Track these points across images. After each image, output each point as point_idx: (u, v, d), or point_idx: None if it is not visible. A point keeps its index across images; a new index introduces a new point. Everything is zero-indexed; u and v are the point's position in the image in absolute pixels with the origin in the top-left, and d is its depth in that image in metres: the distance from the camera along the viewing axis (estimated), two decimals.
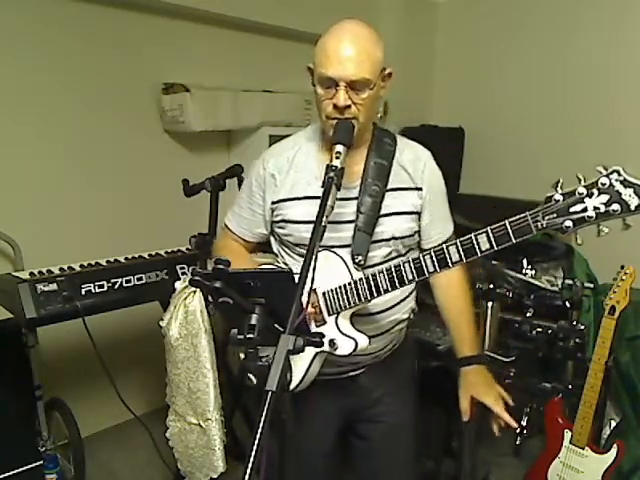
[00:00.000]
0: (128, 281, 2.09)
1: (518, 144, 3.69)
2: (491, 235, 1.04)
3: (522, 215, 1.01)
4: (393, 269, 1.20)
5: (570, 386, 2.28)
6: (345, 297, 1.27)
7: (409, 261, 1.18)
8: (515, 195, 3.08)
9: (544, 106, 3.57)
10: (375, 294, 1.24)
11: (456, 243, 1.09)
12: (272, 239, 1.50)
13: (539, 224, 0.99)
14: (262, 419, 0.82)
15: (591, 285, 2.36)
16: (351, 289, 1.27)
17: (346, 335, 1.28)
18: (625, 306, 1.99)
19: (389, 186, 1.35)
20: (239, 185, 2.25)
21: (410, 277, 1.18)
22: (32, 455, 2.23)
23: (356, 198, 1.33)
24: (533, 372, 2.39)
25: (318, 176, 1.35)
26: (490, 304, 2.28)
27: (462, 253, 1.08)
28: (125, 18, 2.67)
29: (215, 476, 1.94)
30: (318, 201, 1.30)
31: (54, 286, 1.92)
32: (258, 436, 0.81)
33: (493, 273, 2.37)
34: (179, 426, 1.99)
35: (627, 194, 0.94)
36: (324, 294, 1.30)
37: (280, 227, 1.42)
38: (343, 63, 1.20)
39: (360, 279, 1.26)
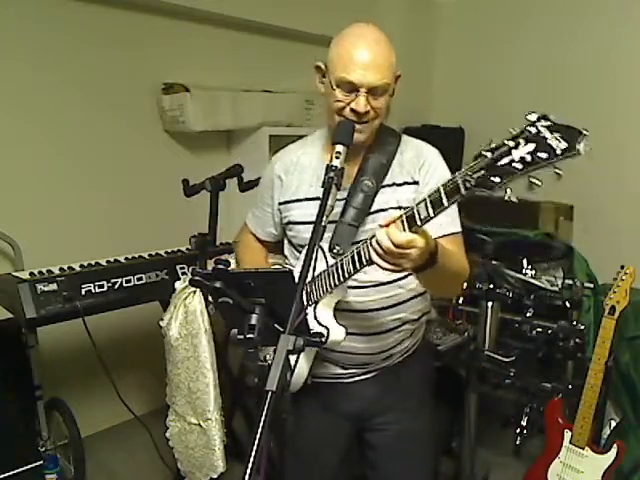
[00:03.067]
0: (128, 281, 2.09)
1: None
2: (428, 201, 1.00)
3: (452, 176, 0.96)
4: (354, 250, 1.18)
5: (570, 386, 2.28)
6: (320, 285, 1.28)
7: (366, 240, 1.13)
8: (515, 195, 3.08)
9: (544, 106, 3.55)
10: (342, 277, 1.22)
11: (401, 215, 1.05)
12: (285, 242, 1.52)
13: (467, 183, 0.93)
14: (262, 419, 0.82)
15: (591, 285, 2.36)
16: (325, 275, 1.27)
17: (320, 324, 1.27)
18: (625, 306, 1.99)
19: (385, 182, 1.34)
20: (239, 185, 2.25)
21: (368, 257, 1.13)
22: (32, 455, 2.22)
23: (344, 199, 1.33)
24: (533, 372, 2.38)
25: (320, 177, 1.34)
26: (490, 304, 2.28)
27: (406, 224, 1.03)
28: (125, 18, 2.67)
29: (215, 476, 1.94)
30: (317, 202, 1.31)
31: (54, 286, 1.92)
32: (258, 436, 0.81)
33: (493, 273, 2.37)
34: (179, 426, 1.99)
35: (553, 138, 0.85)
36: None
37: (288, 229, 1.44)
38: (366, 69, 1.21)
39: (332, 265, 1.26)
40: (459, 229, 1.36)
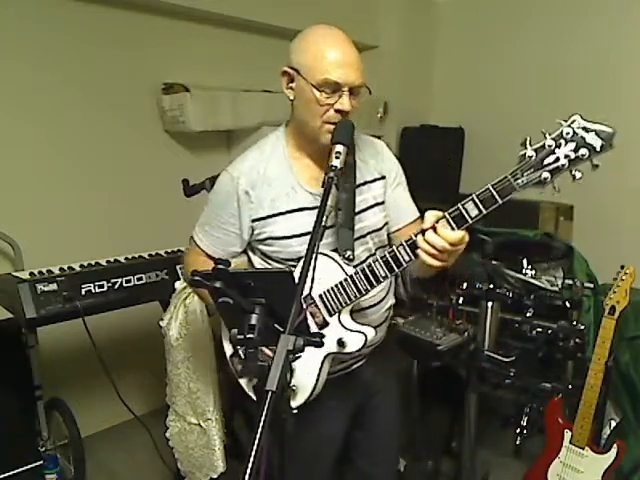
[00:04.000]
0: (128, 281, 2.09)
1: (518, 144, 3.69)
2: (477, 200, 1.10)
3: (503, 176, 1.09)
4: (366, 268, 1.23)
5: (570, 386, 2.28)
6: (344, 293, 1.27)
7: (402, 244, 1.19)
8: (515, 195, 3.09)
9: (544, 106, 3.56)
10: (375, 283, 1.25)
11: (445, 215, 1.12)
12: (251, 255, 1.44)
13: (520, 181, 1.07)
14: (262, 419, 0.82)
15: (591, 285, 2.36)
16: (348, 284, 1.27)
17: (353, 331, 1.29)
18: (625, 306, 1.99)
19: (357, 182, 1.36)
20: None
21: (407, 258, 1.19)
22: (32, 455, 2.23)
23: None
24: (533, 372, 2.38)
25: (295, 187, 1.33)
26: (490, 304, 2.28)
27: (454, 223, 1.11)
28: (125, 18, 2.68)
29: (215, 476, 1.94)
30: (303, 213, 1.32)
31: (54, 286, 1.92)
32: (258, 436, 0.81)
33: (493, 273, 2.37)
34: (179, 426, 1.99)
35: (590, 138, 1.03)
36: (321, 296, 1.30)
37: (267, 245, 1.36)
38: (347, 68, 1.21)
39: (356, 272, 1.26)
40: (418, 214, 1.48)
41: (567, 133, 1.05)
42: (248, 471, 0.78)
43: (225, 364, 1.46)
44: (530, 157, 1.07)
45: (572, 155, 1.04)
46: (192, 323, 1.89)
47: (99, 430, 2.82)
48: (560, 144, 1.05)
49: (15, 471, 2.16)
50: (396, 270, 1.22)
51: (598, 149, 1.03)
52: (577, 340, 2.30)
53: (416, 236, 1.15)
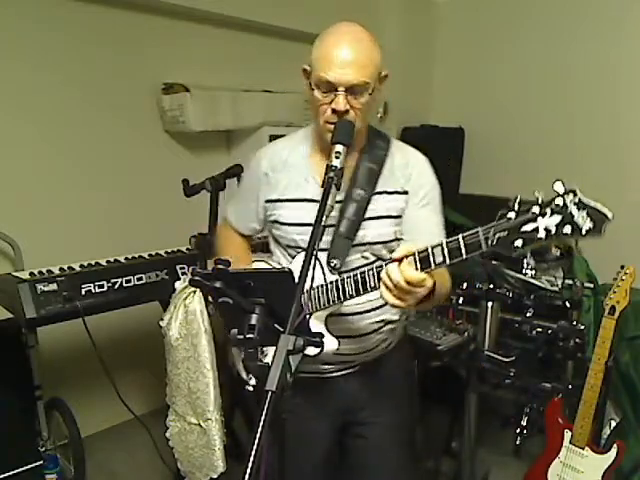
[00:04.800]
0: (128, 281, 2.09)
1: (518, 144, 3.70)
2: (445, 249, 1.01)
3: (474, 230, 0.97)
4: (359, 274, 1.19)
5: (570, 386, 2.28)
6: (316, 299, 1.28)
7: (373, 268, 1.15)
8: (515, 195, 3.09)
9: (544, 106, 3.57)
10: (342, 298, 1.23)
11: (414, 253, 1.05)
12: (270, 237, 1.51)
13: (489, 241, 0.95)
14: (262, 419, 0.82)
15: (591, 285, 2.37)
16: (322, 292, 1.27)
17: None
18: (625, 306, 1.99)
19: (376, 189, 1.33)
20: (239, 185, 2.25)
21: (372, 284, 1.16)
22: (32, 455, 2.23)
23: (340, 202, 1.32)
24: (533, 372, 2.38)
25: (308, 178, 1.35)
26: (490, 304, 2.28)
27: (419, 264, 1.04)
28: (125, 18, 2.67)
29: (215, 476, 1.94)
30: (306, 204, 1.33)
31: (54, 286, 1.92)
32: (258, 436, 0.81)
33: (493, 273, 2.37)
34: (179, 426, 1.99)
35: (580, 216, 0.88)
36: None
37: (274, 227, 1.43)
38: (343, 67, 1.19)
39: (331, 282, 1.25)
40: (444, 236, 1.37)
41: (557, 204, 0.90)
42: (248, 471, 0.79)
43: (225, 364, 1.46)
44: (509, 219, 0.93)
45: (553, 230, 0.90)
46: (192, 323, 1.89)
47: (99, 430, 2.82)
48: (545, 213, 0.90)
49: (15, 471, 2.16)
50: (361, 292, 1.19)
51: (584, 232, 0.88)
52: (577, 340, 2.30)
53: (386, 263, 1.10)
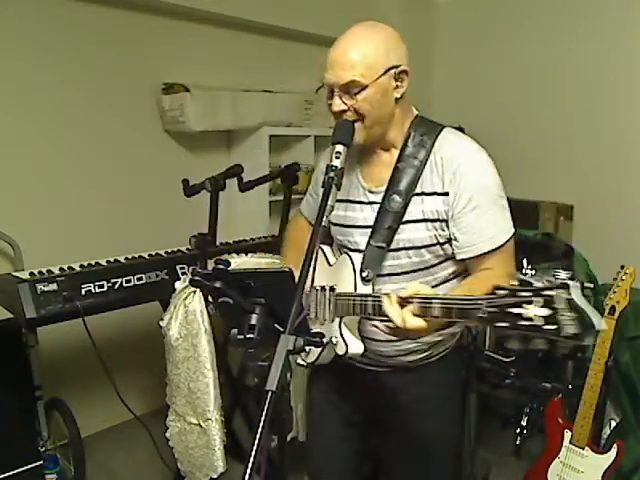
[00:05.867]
0: (128, 281, 2.09)
1: (518, 144, 3.69)
2: (442, 305, 1.00)
3: (475, 298, 0.94)
4: (369, 299, 1.18)
5: (570, 386, 2.28)
6: (348, 306, 1.26)
7: (373, 296, 1.17)
8: (515, 195, 3.08)
9: (544, 106, 3.57)
10: (364, 314, 1.21)
11: (414, 299, 1.04)
12: None
13: (480, 312, 0.91)
14: (262, 419, 0.82)
15: (591, 285, 2.36)
16: (354, 301, 1.24)
17: (343, 339, 1.28)
18: (625, 306, 1.99)
19: (415, 191, 1.26)
20: (239, 185, 2.25)
21: (370, 311, 1.17)
22: (32, 455, 2.22)
23: (376, 203, 1.29)
24: (533, 372, 2.38)
25: (352, 177, 1.37)
26: None
27: (418, 310, 1.03)
28: (125, 18, 2.68)
29: (215, 476, 1.94)
30: (345, 204, 1.36)
31: (54, 286, 1.92)
32: (258, 436, 0.81)
33: None
34: (179, 426, 1.99)
35: (567, 319, 0.80)
36: (337, 296, 1.30)
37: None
38: (332, 68, 1.20)
39: (355, 297, 1.24)
40: (504, 239, 1.25)
41: (549, 295, 0.82)
42: (248, 471, 0.79)
43: (225, 364, 1.46)
44: (502, 295, 0.88)
45: (537, 322, 0.82)
46: (192, 323, 1.89)
47: (99, 430, 2.81)
48: (532, 302, 0.83)
49: (15, 471, 2.16)
50: (379, 316, 1.15)
51: (567, 335, 0.79)
52: None
53: (384, 294, 1.09)
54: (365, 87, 1.20)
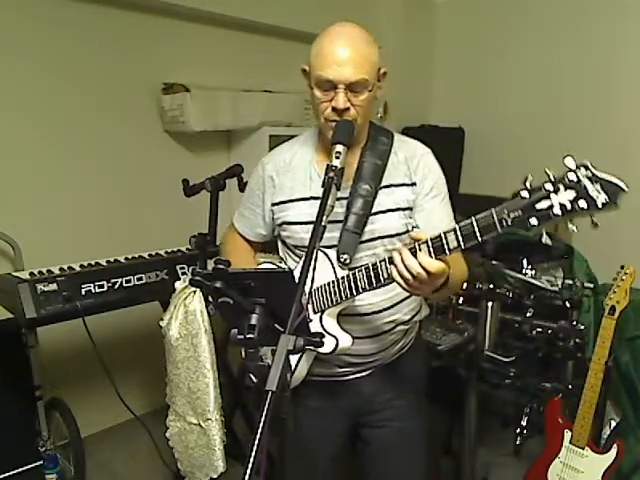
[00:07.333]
0: (128, 281, 2.09)
1: (518, 144, 3.70)
2: (459, 233, 1.01)
3: (487, 212, 0.97)
4: (371, 267, 1.19)
5: (570, 386, 2.28)
6: (328, 295, 1.28)
7: (385, 259, 1.16)
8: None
9: (544, 106, 3.57)
10: (354, 292, 1.23)
11: (427, 241, 1.06)
12: (279, 243, 1.51)
13: (504, 221, 0.95)
14: (262, 419, 0.82)
15: (591, 285, 2.37)
16: (333, 287, 1.27)
17: (329, 334, 1.28)
18: (625, 306, 1.99)
19: (382, 184, 1.33)
20: (239, 185, 2.25)
21: (385, 275, 1.15)
22: (32, 455, 2.23)
23: (344, 199, 1.32)
24: (533, 372, 2.39)
25: (313, 177, 1.36)
26: (490, 304, 2.28)
27: (432, 250, 1.04)
28: (125, 18, 2.67)
29: (215, 476, 1.94)
30: (313, 202, 1.33)
31: (54, 286, 1.92)
32: (258, 436, 0.81)
33: (493, 273, 2.37)
34: (179, 426, 1.99)
35: (594, 190, 0.88)
36: (310, 293, 1.30)
37: (282, 229, 1.43)
38: (342, 65, 1.20)
39: (342, 277, 1.26)
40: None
41: (570, 179, 0.89)
42: (248, 471, 0.79)
43: (225, 364, 1.47)
44: (523, 197, 0.93)
45: (568, 206, 0.89)
46: (192, 323, 1.89)
47: (99, 430, 2.81)
48: (559, 189, 0.90)
49: (15, 471, 2.16)
50: (374, 285, 1.19)
51: (599, 205, 0.88)
52: (577, 340, 2.30)
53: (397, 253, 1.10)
54: (370, 87, 1.23)
